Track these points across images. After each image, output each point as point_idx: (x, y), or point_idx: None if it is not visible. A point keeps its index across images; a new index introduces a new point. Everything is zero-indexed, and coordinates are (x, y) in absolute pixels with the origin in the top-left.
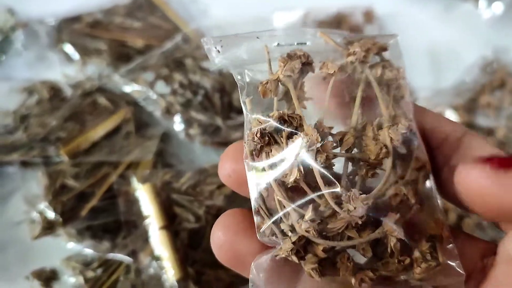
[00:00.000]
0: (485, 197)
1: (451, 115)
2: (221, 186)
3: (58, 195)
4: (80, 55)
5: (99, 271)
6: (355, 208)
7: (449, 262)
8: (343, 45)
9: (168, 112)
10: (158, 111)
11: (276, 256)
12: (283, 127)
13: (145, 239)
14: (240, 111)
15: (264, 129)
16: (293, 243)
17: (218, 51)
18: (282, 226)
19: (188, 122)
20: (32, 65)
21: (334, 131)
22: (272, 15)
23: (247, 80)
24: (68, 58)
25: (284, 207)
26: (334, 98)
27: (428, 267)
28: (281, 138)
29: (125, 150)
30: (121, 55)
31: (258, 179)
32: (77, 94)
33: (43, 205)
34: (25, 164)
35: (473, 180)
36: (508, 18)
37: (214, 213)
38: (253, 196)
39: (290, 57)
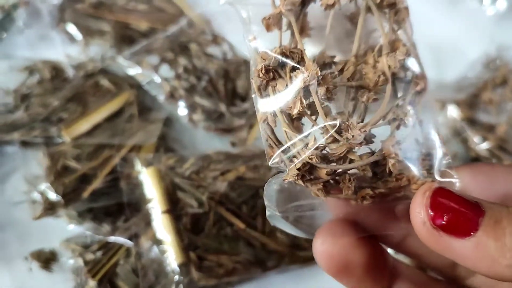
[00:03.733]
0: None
1: (453, 110)
2: (224, 172)
3: (59, 176)
4: (83, 36)
5: (99, 253)
6: (353, 136)
7: (443, 180)
8: None
9: (172, 96)
10: (161, 95)
11: (284, 180)
12: (286, 62)
13: (147, 222)
14: (244, 99)
15: (268, 65)
16: (298, 169)
17: None
18: (288, 154)
19: (191, 108)
20: (34, 44)
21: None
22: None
23: (251, 15)
24: (70, 38)
25: (290, 137)
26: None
27: (424, 183)
28: (285, 73)
29: (127, 133)
30: (125, 37)
31: (266, 112)
32: (80, 75)
33: (44, 186)
34: (25, 144)
35: (417, 227)
36: (511, 15)
37: (217, 199)
38: (263, 127)
39: None
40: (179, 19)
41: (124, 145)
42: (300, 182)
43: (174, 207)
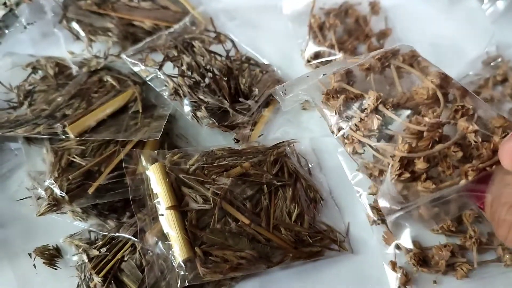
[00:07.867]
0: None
1: None
2: (228, 169)
3: (64, 173)
4: (86, 33)
5: (104, 250)
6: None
7: None
8: None
9: (176, 93)
10: (165, 92)
11: (393, 179)
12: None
13: (152, 218)
14: (247, 96)
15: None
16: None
17: (284, 94)
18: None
19: (195, 104)
20: (37, 41)
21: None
22: (279, 2)
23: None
24: (73, 35)
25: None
26: None
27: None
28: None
29: (132, 130)
30: (128, 34)
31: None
32: (83, 72)
33: (48, 182)
34: (29, 140)
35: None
36: (511, 14)
37: (222, 195)
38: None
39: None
40: (183, 17)
41: (128, 142)
42: (406, 174)
43: (179, 203)
